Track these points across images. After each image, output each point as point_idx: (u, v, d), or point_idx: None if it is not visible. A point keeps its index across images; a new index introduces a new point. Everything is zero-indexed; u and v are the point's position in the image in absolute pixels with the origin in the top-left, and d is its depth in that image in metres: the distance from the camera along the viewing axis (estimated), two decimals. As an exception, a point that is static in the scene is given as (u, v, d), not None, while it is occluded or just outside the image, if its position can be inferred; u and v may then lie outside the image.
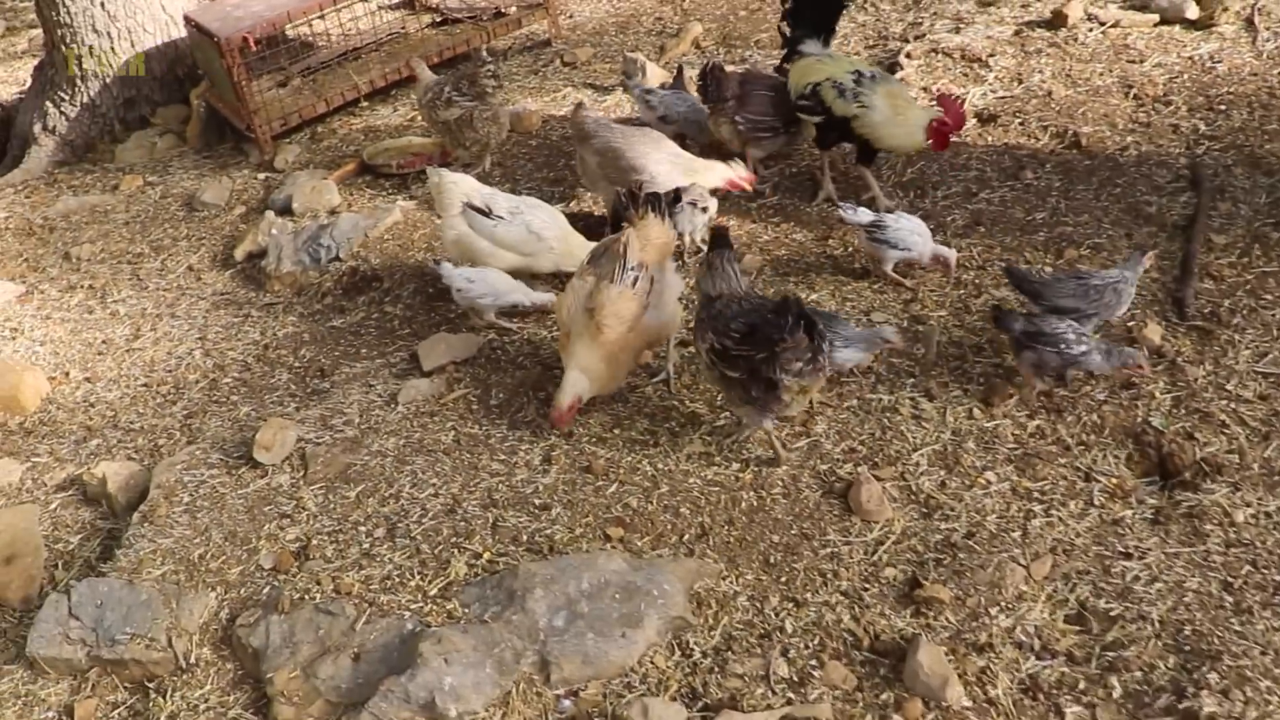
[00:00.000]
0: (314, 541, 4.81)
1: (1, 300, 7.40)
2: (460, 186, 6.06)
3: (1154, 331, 5.21)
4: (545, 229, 6.05)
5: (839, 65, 6.34)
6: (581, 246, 6.04)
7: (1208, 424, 4.80)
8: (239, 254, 7.29)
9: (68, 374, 6.61)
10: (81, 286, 7.50)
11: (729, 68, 7.12)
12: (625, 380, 5.30)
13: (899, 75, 7.64)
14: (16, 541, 5.23)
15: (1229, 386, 4.94)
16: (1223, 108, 6.80)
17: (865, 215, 5.77)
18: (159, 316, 6.98)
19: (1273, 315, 5.24)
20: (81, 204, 8.56)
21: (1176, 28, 7.77)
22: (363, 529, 4.86)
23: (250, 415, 5.82)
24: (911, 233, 5.64)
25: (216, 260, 7.43)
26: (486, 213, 5.97)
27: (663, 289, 5.22)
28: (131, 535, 5.04)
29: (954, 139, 6.16)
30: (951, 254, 5.69)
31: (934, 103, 6.27)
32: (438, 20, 9.57)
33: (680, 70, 7.69)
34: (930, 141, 6.07)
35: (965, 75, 7.66)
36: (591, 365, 5.06)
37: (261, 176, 8.32)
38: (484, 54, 7.24)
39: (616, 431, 5.17)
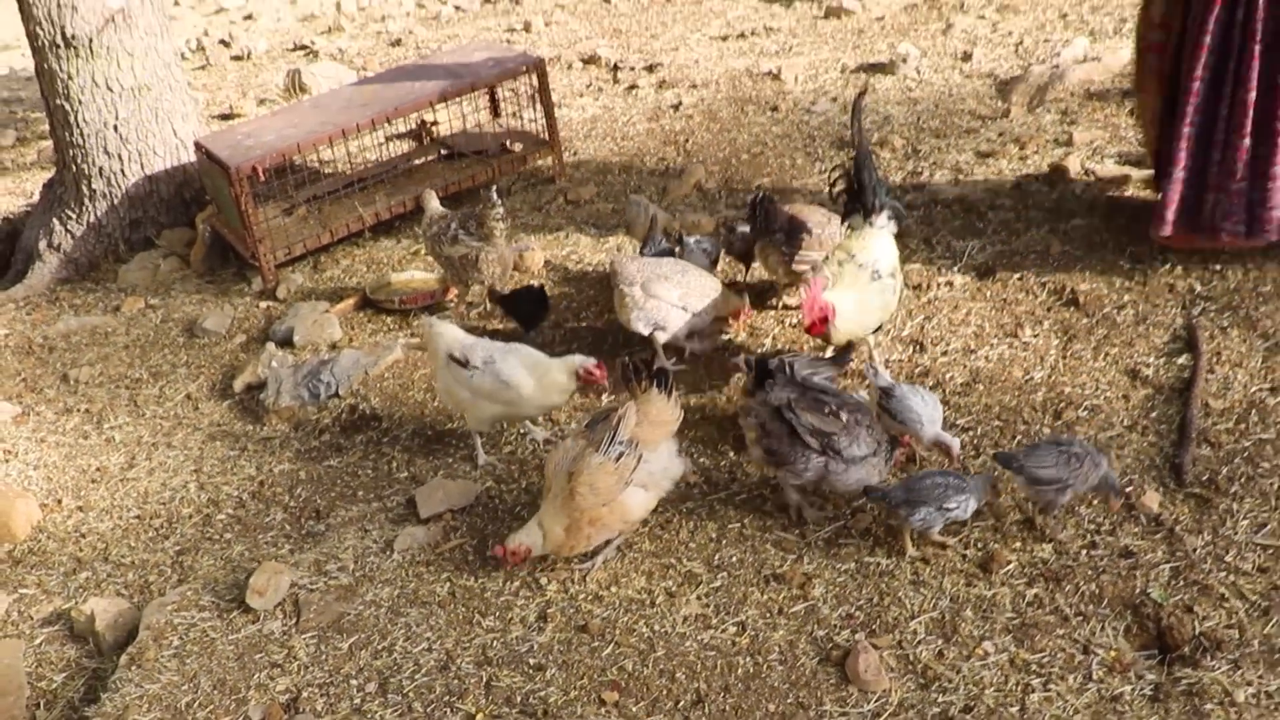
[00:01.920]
0: (304, 694, 4.75)
1: (-3, 421, 7.40)
2: (445, 337, 6.06)
3: (1152, 499, 5.21)
4: (514, 374, 5.94)
5: (856, 243, 6.31)
6: (560, 391, 6.04)
7: (1207, 597, 4.76)
8: (238, 385, 7.29)
9: (60, 501, 6.56)
10: (78, 410, 7.49)
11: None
12: (588, 549, 5.23)
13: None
14: (1, 679, 5.15)
15: (1228, 558, 4.91)
16: (1217, 267, 6.86)
17: (884, 380, 5.77)
18: (155, 445, 6.96)
19: (1270, 484, 5.24)
20: (82, 324, 8.59)
21: (1171, 184, 7.88)
22: (354, 682, 4.79)
23: (244, 555, 5.77)
24: (911, 410, 5.58)
25: (215, 390, 7.43)
26: (464, 364, 5.96)
27: (654, 471, 5.16)
28: (118, 679, 4.98)
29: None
30: (954, 443, 5.58)
31: None
32: (444, 154, 9.70)
33: (654, 220, 7.85)
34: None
35: (964, 227, 7.75)
36: (551, 528, 5.02)
37: (263, 305, 8.36)
38: (493, 195, 7.31)
39: (613, 590, 5.12)
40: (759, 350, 6.86)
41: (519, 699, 4.60)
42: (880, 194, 6.37)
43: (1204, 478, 5.34)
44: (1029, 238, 7.50)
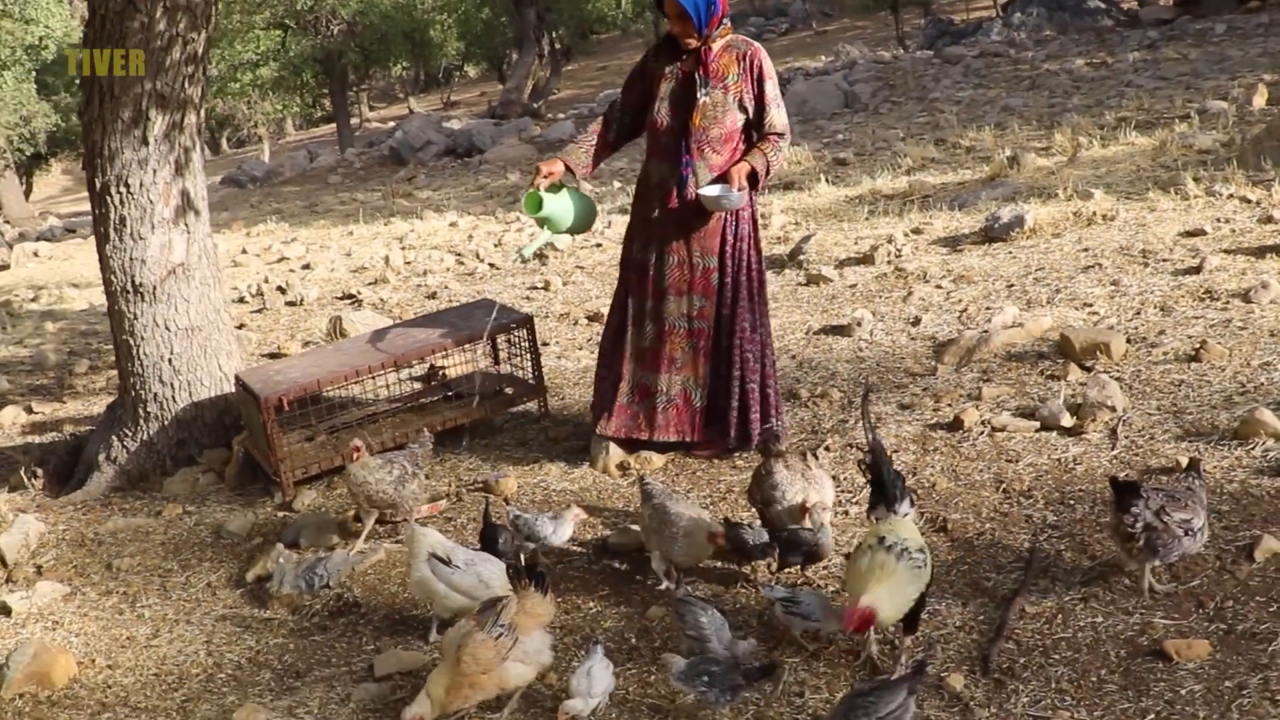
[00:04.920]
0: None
1: (49, 598, 8.89)
2: (428, 539, 7.43)
3: (957, 680, 6.32)
4: (493, 579, 7.24)
5: (884, 528, 6.80)
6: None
7: (986, 758, 5.96)
8: (250, 576, 8.75)
9: (94, 661, 7.95)
10: (117, 592, 8.96)
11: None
12: (470, 706, 6.38)
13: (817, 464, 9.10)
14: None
15: (1005, 726, 6.06)
16: (1072, 502, 8.08)
17: (779, 591, 6.96)
18: (176, 622, 8.37)
19: (1056, 671, 6.33)
20: (128, 524, 10.14)
21: (1053, 433, 9.20)
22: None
23: (234, 703, 7.09)
24: (820, 606, 6.79)
25: (231, 580, 8.89)
26: (447, 562, 7.30)
27: (528, 650, 6.31)
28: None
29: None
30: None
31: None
32: (448, 395, 11.28)
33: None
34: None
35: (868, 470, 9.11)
36: (434, 691, 6.17)
37: (281, 515, 9.89)
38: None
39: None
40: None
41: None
42: (899, 485, 7.04)
43: (1005, 666, 6.45)
44: (921, 477, 8.80)
